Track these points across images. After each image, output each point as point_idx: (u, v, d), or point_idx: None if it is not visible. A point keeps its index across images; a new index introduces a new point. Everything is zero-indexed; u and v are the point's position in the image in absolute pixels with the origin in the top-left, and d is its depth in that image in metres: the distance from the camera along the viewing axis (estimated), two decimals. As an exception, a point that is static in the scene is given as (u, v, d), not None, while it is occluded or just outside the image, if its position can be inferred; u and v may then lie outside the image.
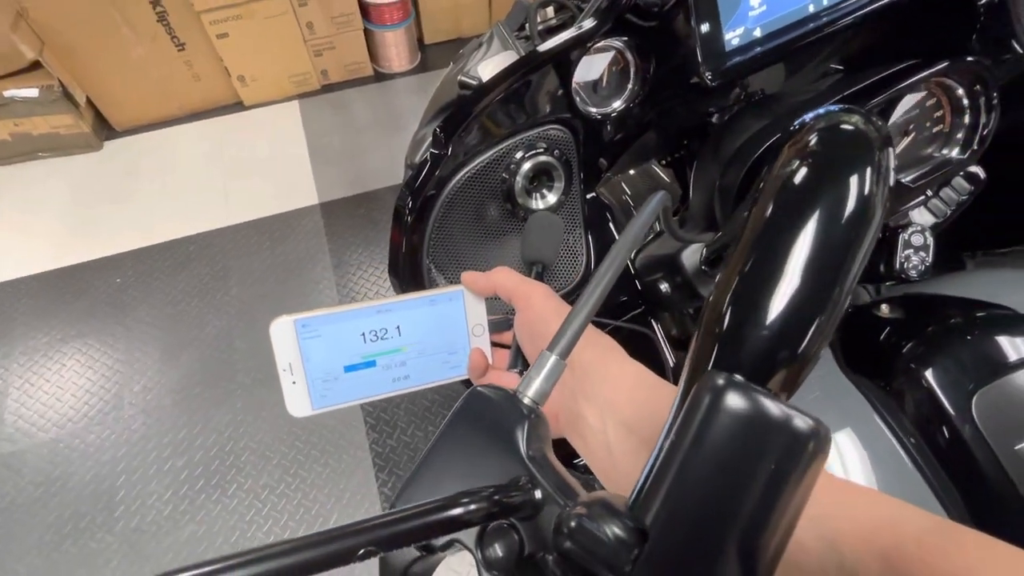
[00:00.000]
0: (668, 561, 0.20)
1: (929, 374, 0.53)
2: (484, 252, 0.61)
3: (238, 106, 2.31)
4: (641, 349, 0.70)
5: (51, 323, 1.76)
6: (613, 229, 0.70)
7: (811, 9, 0.53)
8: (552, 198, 0.60)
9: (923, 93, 0.61)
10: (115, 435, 1.56)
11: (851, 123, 0.23)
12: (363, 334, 0.42)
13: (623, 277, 0.70)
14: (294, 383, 0.41)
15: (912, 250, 0.63)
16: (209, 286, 1.83)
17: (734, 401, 0.20)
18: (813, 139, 0.23)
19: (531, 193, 0.60)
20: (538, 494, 0.25)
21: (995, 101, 0.60)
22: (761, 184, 0.24)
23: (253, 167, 2.14)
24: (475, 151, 0.55)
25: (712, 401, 0.20)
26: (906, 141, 0.62)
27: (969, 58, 0.58)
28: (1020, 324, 0.55)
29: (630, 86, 0.58)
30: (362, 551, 0.20)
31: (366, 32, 2.27)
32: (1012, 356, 0.52)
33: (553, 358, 0.29)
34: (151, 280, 1.85)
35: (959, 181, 0.69)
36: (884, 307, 0.64)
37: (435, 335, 0.43)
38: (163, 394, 1.62)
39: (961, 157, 0.63)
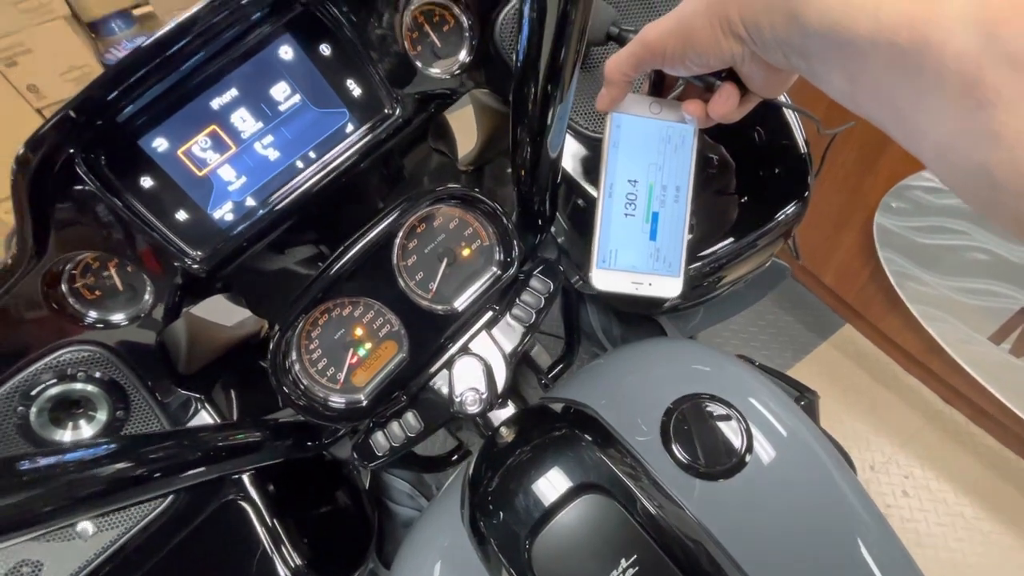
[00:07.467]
0: None
1: (489, 531, 0.51)
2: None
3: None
4: None
5: None
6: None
7: (299, 165, 0.51)
8: (89, 429, 0.51)
9: (440, 220, 0.57)
10: None
11: None
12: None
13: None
14: None
15: (466, 387, 0.57)
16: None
17: None
18: None
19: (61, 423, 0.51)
20: None
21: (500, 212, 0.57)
22: None
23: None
24: None
25: None
26: (442, 267, 0.57)
27: (451, 186, 0.55)
28: (575, 446, 0.53)
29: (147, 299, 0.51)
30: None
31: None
32: (553, 496, 0.50)
33: None
34: None
35: (536, 283, 0.60)
36: (503, 430, 0.58)
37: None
38: None
39: (506, 259, 0.59)
